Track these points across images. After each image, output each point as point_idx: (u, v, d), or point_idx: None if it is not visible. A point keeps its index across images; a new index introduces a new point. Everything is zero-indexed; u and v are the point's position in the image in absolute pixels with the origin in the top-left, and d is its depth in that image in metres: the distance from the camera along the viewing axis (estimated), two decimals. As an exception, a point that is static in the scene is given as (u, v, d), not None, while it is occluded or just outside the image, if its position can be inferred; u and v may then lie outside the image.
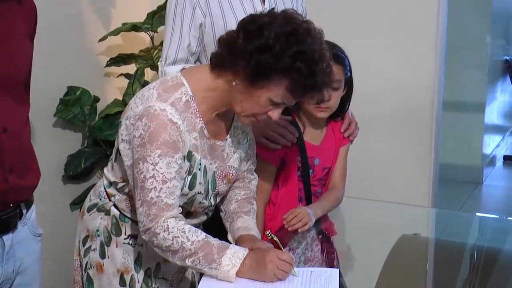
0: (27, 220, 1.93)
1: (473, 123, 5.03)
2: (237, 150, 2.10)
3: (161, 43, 2.60)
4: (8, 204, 1.83)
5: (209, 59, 2.01)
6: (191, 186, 1.96)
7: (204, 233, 1.88)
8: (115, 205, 2.07)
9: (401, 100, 3.16)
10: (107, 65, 3.42)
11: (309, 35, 1.82)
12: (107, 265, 2.07)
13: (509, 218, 4.21)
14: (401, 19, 3.11)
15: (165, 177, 1.85)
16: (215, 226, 2.17)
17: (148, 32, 3.37)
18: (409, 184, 3.18)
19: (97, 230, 2.08)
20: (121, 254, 2.06)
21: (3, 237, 1.83)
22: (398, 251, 2.35)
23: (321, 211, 2.36)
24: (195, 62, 2.43)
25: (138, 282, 2.06)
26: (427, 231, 2.93)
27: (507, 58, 5.89)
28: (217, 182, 2.05)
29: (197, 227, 1.97)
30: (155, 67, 3.28)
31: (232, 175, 2.10)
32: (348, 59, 2.36)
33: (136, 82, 3.25)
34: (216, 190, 2.06)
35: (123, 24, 3.37)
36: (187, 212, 2.03)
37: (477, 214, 4.33)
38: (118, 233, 2.07)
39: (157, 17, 3.31)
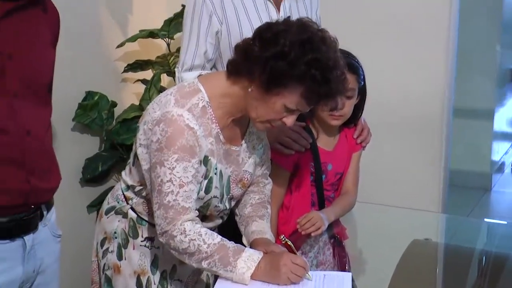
0: (48, 221, 1.94)
1: (482, 130, 5.01)
2: (252, 155, 2.10)
3: (178, 50, 2.61)
4: (29, 206, 1.84)
5: (225, 66, 2.02)
6: (207, 190, 1.97)
7: (220, 236, 1.88)
8: (132, 208, 2.08)
9: (412, 107, 3.15)
10: (125, 71, 3.43)
11: (324, 43, 1.82)
12: (124, 266, 2.07)
13: None
14: (413, 27, 3.10)
15: (182, 181, 1.85)
16: (230, 230, 2.17)
17: (164, 39, 3.37)
18: (420, 190, 3.17)
19: (115, 232, 2.09)
20: (138, 256, 2.07)
21: (24, 237, 1.84)
22: (410, 255, 2.34)
23: (334, 215, 2.36)
24: (211, 69, 2.44)
25: (154, 283, 2.07)
26: (437, 236, 2.92)
27: None
28: (231, 187, 2.05)
29: (213, 231, 1.98)
30: (171, 73, 3.28)
31: (247, 179, 2.10)
32: (362, 68, 2.36)
33: (153, 87, 3.25)
34: (230, 194, 2.06)
35: (140, 31, 3.38)
36: (203, 216, 2.03)
37: (486, 220, 4.27)
38: (135, 236, 2.07)
39: (173, 24, 3.32)
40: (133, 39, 3.37)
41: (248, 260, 1.83)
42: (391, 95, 3.12)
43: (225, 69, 1.98)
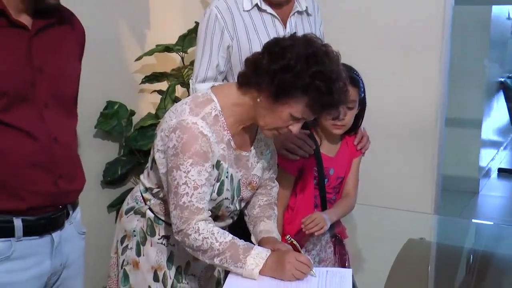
0: (73, 219, 1.94)
1: (471, 138, 5.01)
2: (260, 160, 2.10)
3: (191, 63, 2.62)
4: (57, 206, 1.85)
5: (236, 78, 2.01)
6: (219, 192, 1.97)
7: (231, 235, 1.88)
8: (150, 209, 2.08)
9: (408, 117, 3.15)
10: (142, 82, 3.42)
11: (327, 57, 1.82)
12: (142, 262, 2.07)
13: (503, 225, 4.14)
14: (409, 45, 3.10)
15: (196, 184, 1.85)
16: (240, 229, 2.17)
17: (179, 53, 3.38)
18: (414, 193, 3.16)
19: (134, 231, 2.09)
20: (155, 253, 2.07)
21: (52, 234, 1.84)
22: (405, 253, 2.33)
23: (336, 216, 2.36)
24: (222, 80, 2.44)
25: (170, 278, 2.07)
26: (430, 236, 2.91)
27: (502, 79, 5.88)
28: (241, 189, 2.05)
29: (224, 230, 1.98)
30: (185, 85, 3.29)
31: (256, 182, 2.10)
32: (362, 82, 2.36)
33: (168, 97, 3.26)
34: (240, 196, 2.06)
35: (157, 46, 3.38)
36: (216, 216, 2.03)
37: (474, 220, 4.27)
38: (153, 234, 2.07)
39: (187, 39, 3.33)
40: (150, 53, 3.38)
41: (256, 257, 1.83)
42: (389, 106, 3.12)
43: (236, 80, 1.98)
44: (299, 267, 1.81)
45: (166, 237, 2.05)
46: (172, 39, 3.39)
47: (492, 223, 4.00)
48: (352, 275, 2.12)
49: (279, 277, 1.81)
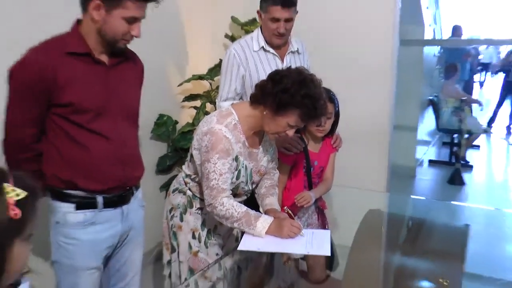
0: (136, 196, 1.93)
1: (410, 138, 4.97)
2: (266, 155, 2.07)
3: (217, 87, 2.59)
4: (125, 187, 1.84)
5: (248, 98, 1.98)
6: (237, 177, 1.94)
7: (245, 207, 1.86)
8: (189, 189, 2.06)
9: (368, 124, 3.11)
10: (183, 100, 3.40)
11: (313, 83, 1.80)
12: (184, 226, 2.05)
13: (431, 199, 4.12)
14: (369, 75, 3.08)
15: (221, 171, 1.83)
16: (252, 203, 2.13)
17: (208, 80, 3.35)
18: (373, 177, 3.13)
19: (178, 204, 2.07)
20: (193, 219, 2.05)
21: (122, 207, 1.84)
22: (367, 219, 2.31)
23: (318, 194, 2.33)
24: (239, 99, 2.41)
25: (203, 236, 2.05)
26: (384, 207, 2.87)
27: (431, 97, 5.87)
28: (253, 175, 2.02)
29: (241, 203, 1.95)
30: (212, 102, 3.26)
31: (263, 171, 2.07)
32: (337, 99, 2.31)
33: (201, 111, 3.24)
34: (252, 180, 2.03)
35: (193, 75, 3.35)
36: (235, 194, 2.00)
37: (412, 196, 4.24)
38: (191, 206, 2.05)
39: (214, 71, 3.30)
40: (188, 80, 3.36)
41: (263, 222, 1.81)
42: (355, 116, 3.07)
43: (249, 99, 1.95)
44: (293, 229, 1.80)
45: (200, 208, 2.03)
46: (204, 71, 3.37)
47: (424, 198, 3.95)
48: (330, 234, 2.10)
49: (279, 236, 1.79)
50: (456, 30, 6.72)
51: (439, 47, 6.38)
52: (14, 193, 0.90)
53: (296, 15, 2.34)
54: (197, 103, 3.38)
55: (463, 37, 6.89)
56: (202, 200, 1.97)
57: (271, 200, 2.06)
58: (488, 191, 5.21)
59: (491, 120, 7.59)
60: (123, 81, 1.79)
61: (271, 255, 1.87)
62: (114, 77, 1.75)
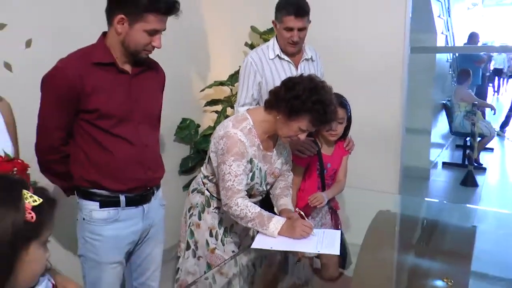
0: (157, 196, 1.94)
1: (424, 141, 4.87)
2: (280, 158, 2.05)
3: (237, 93, 2.58)
4: (146, 187, 1.85)
5: (264, 103, 1.97)
6: (252, 179, 1.94)
7: (259, 207, 1.85)
8: (207, 189, 2.06)
9: (381, 128, 3.06)
10: (205, 105, 3.41)
11: (324, 90, 1.78)
12: (202, 224, 2.06)
13: (444, 201, 4.00)
14: (381, 81, 3.03)
15: (236, 173, 1.82)
16: (267, 203, 2.13)
17: (229, 86, 3.35)
18: (385, 179, 3.07)
19: (197, 204, 2.07)
20: (210, 218, 2.05)
21: (143, 205, 1.85)
22: (377, 220, 2.26)
23: (331, 195, 2.30)
24: (255, 105, 2.40)
25: (220, 234, 2.04)
26: (396, 209, 2.80)
27: (444, 101, 5.75)
28: (267, 177, 2.01)
29: (256, 203, 1.94)
30: (233, 107, 3.25)
31: (277, 172, 2.06)
32: (348, 104, 2.28)
33: (222, 116, 3.23)
34: (266, 181, 2.02)
35: (214, 82, 3.36)
36: (250, 195, 2.00)
37: (426, 199, 4.10)
38: (209, 206, 2.05)
39: (234, 77, 3.29)
40: (210, 86, 3.37)
41: (276, 223, 1.79)
42: (368, 121, 3.03)
43: (264, 105, 1.94)
44: (305, 230, 1.78)
45: (218, 208, 2.03)
46: (224, 77, 3.37)
47: (436, 200, 3.81)
48: (342, 233, 2.07)
49: (291, 236, 1.78)
50: (472, 37, 6.56)
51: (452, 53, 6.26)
52: (32, 199, 0.94)
53: (309, 24, 2.32)
54: (218, 107, 3.38)
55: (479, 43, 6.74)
56: (219, 200, 1.96)
57: (285, 201, 2.05)
58: (501, 193, 5.06)
59: (504, 124, 7.39)
60: (145, 88, 1.80)
61: (285, 254, 1.85)
62: (137, 85, 1.76)
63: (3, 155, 1.27)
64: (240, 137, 1.83)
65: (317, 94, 1.74)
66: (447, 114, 5.66)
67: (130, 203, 1.79)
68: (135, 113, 1.75)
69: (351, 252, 2.03)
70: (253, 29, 3.43)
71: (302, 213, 1.89)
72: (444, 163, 5.85)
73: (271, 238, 1.78)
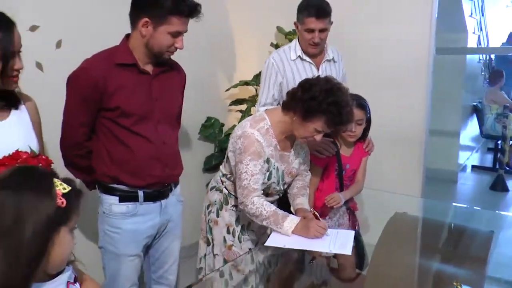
0: (175, 192, 1.98)
1: (452, 144, 4.76)
2: (297, 158, 2.07)
3: (260, 93, 2.61)
4: (164, 184, 1.90)
5: (281, 104, 1.99)
6: (269, 178, 1.95)
7: (274, 206, 1.87)
8: (225, 187, 2.09)
9: (404, 129, 3.01)
10: (230, 104, 3.44)
11: (340, 91, 1.78)
12: (220, 221, 2.09)
13: (476, 208, 3.83)
14: (405, 81, 2.98)
15: (253, 172, 1.85)
16: (285, 202, 2.15)
17: (253, 86, 3.37)
18: (407, 181, 3.01)
19: (215, 201, 2.11)
20: (228, 215, 2.08)
21: (161, 201, 1.90)
22: (393, 221, 2.24)
23: (348, 196, 2.30)
24: (277, 105, 2.42)
25: (237, 232, 2.07)
26: (418, 212, 2.74)
27: (474, 103, 5.59)
28: (284, 176, 2.03)
29: (273, 203, 1.96)
30: (256, 107, 3.29)
31: (294, 172, 2.07)
32: (368, 106, 2.26)
33: (246, 115, 3.24)
34: (284, 181, 2.04)
35: (240, 81, 3.38)
36: (267, 193, 2.02)
37: (453, 204, 3.93)
38: (226, 203, 2.08)
39: (259, 77, 3.23)
40: (235, 86, 3.39)
41: (290, 222, 1.81)
42: (390, 121, 2.99)
43: (281, 106, 1.95)
44: (318, 230, 1.79)
45: (235, 205, 2.06)
46: (249, 77, 3.39)
47: (464, 205, 3.63)
48: (360, 234, 2.07)
49: (305, 235, 1.79)
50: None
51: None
52: (61, 186, 1.01)
53: (331, 25, 2.32)
54: (243, 107, 3.41)
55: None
56: (237, 198, 1.99)
57: (301, 200, 2.06)
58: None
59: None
60: (165, 88, 1.85)
61: (302, 253, 1.86)
62: (157, 85, 1.82)
63: (29, 151, 1.34)
64: (257, 137, 1.85)
65: (333, 95, 1.75)
66: (477, 117, 5.51)
67: (148, 198, 1.84)
68: (155, 112, 1.80)
69: (369, 252, 2.03)
70: (279, 29, 3.44)
71: (316, 213, 1.90)
72: (473, 167, 5.71)
73: (285, 236, 1.80)
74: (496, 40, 6.69)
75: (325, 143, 2.24)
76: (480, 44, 5.89)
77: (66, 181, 1.05)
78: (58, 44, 2.24)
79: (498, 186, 4.84)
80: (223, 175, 2.08)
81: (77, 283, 1.13)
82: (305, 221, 1.82)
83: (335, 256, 1.82)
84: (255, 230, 2.10)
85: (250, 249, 2.05)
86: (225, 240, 2.06)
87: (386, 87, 3.01)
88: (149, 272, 2.03)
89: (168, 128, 1.87)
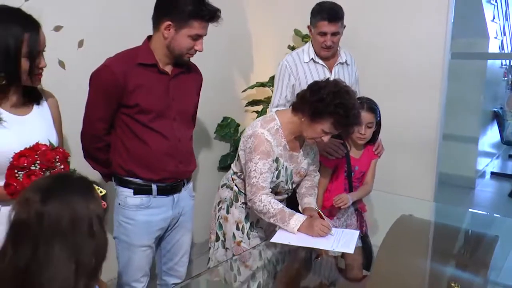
0: (187, 187, 2.05)
1: (470, 149, 4.71)
2: (306, 158, 2.11)
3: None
4: (177, 179, 1.96)
5: (291, 105, 2.03)
6: (277, 177, 2.00)
7: (281, 204, 1.91)
8: (236, 185, 2.14)
9: (417, 133, 3.02)
10: (246, 105, 3.49)
11: (347, 94, 1.82)
12: (229, 217, 2.14)
13: (496, 215, 3.71)
14: (419, 84, 2.99)
15: (262, 171, 1.90)
16: (293, 202, 2.19)
17: (270, 88, 3.41)
18: (419, 185, 3.02)
19: (225, 198, 2.16)
20: (237, 212, 2.12)
21: (173, 195, 1.96)
22: (398, 223, 2.25)
23: (356, 197, 2.33)
24: (289, 106, 2.45)
25: (246, 228, 2.11)
26: (421, 214, 2.68)
27: (495, 109, 5.51)
28: (293, 176, 2.07)
29: (282, 202, 2.00)
30: (272, 108, 3.33)
31: (303, 172, 2.11)
32: (378, 109, 2.29)
33: (261, 115, 3.29)
34: (292, 180, 2.08)
35: (256, 83, 3.43)
36: (276, 192, 2.07)
37: (470, 210, 3.77)
38: (236, 201, 2.13)
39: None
40: (252, 87, 3.44)
41: (296, 220, 1.86)
42: (403, 125, 3.01)
43: (291, 107, 2.00)
44: (322, 228, 1.83)
45: (245, 203, 2.10)
46: (265, 79, 3.44)
47: (485, 212, 3.50)
48: (367, 236, 2.08)
49: (309, 233, 1.84)
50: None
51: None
52: (99, 190, 1.09)
53: (344, 28, 2.36)
54: (259, 107, 3.46)
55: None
56: (246, 195, 2.05)
57: (309, 200, 2.10)
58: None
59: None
60: (182, 89, 1.92)
61: (310, 252, 1.90)
62: (175, 85, 1.89)
63: (48, 144, 1.43)
64: (266, 137, 1.90)
65: (340, 97, 1.79)
66: (498, 123, 5.43)
67: (161, 192, 1.92)
68: (171, 110, 1.87)
69: (376, 254, 2.05)
70: (296, 32, 3.49)
71: (321, 212, 1.94)
72: (492, 173, 5.63)
73: (290, 234, 1.85)
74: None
75: (335, 145, 2.28)
76: (503, 49, 5.80)
77: (96, 184, 1.12)
78: (80, 44, 2.34)
79: (517, 193, 4.78)
80: (234, 173, 2.14)
81: None
82: (310, 219, 1.87)
83: (343, 256, 1.85)
84: (263, 227, 2.15)
85: (256, 245, 2.11)
86: (234, 236, 2.12)
87: (400, 91, 3.03)
88: (160, 263, 2.11)
89: (184, 126, 1.94)
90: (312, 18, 2.34)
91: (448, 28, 2.83)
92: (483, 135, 5.02)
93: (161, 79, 1.85)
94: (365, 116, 2.20)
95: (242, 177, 2.08)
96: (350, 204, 2.22)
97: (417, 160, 3.03)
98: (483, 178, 5.37)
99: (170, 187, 1.94)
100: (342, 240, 1.82)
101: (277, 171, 1.98)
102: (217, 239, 2.18)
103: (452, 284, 1.41)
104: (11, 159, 1.36)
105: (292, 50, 3.47)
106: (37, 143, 1.40)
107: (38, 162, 1.34)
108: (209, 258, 2.25)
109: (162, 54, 1.83)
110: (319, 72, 2.43)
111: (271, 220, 1.89)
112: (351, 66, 2.53)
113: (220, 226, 2.17)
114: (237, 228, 2.12)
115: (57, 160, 1.37)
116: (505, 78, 6.09)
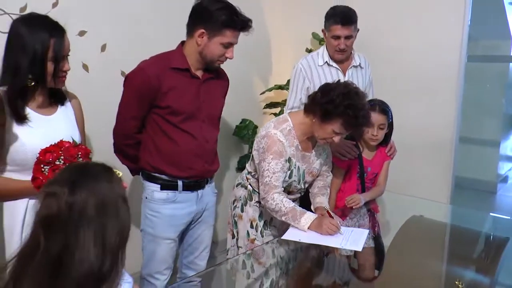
0: (210, 184, 2.13)
1: (491, 153, 4.64)
2: (318, 158, 2.16)
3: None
4: (202, 177, 2.05)
5: (303, 107, 2.09)
6: (290, 177, 2.05)
7: (293, 203, 1.96)
8: (250, 184, 2.20)
9: (433, 135, 3.02)
10: (264, 107, 3.54)
11: (357, 95, 1.87)
12: (244, 216, 2.20)
13: (490, 213, 3.58)
14: (435, 87, 2.99)
15: (274, 170, 1.95)
16: (305, 201, 2.24)
17: (287, 90, 3.43)
18: (434, 188, 3.01)
19: (240, 197, 2.22)
20: (252, 211, 2.18)
21: (198, 191, 2.05)
22: (408, 224, 2.27)
23: (368, 198, 2.36)
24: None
25: (260, 226, 2.17)
26: (446, 218, 2.71)
27: None
28: (305, 176, 2.12)
29: (295, 201, 2.05)
30: (290, 110, 3.37)
31: (315, 172, 2.16)
32: (390, 111, 2.31)
33: (279, 117, 3.36)
34: (304, 180, 2.13)
35: (275, 85, 3.48)
36: (288, 191, 2.12)
37: (491, 214, 3.61)
38: (251, 199, 2.19)
39: (292, 82, 3.41)
40: (270, 89, 3.50)
41: (307, 218, 1.91)
42: (419, 127, 3.01)
43: (303, 108, 2.06)
44: (330, 227, 1.88)
45: (259, 202, 2.16)
46: (283, 81, 3.47)
47: (509, 217, 3.41)
48: (380, 236, 2.11)
49: (319, 231, 1.89)
50: None
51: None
52: (117, 173, 1.15)
53: (357, 32, 2.40)
54: (277, 110, 3.50)
55: None
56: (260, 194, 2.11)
57: (321, 199, 2.15)
58: None
59: None
60: (211, 93, 2.02)
61: (321, 250, 1.94)
62: (204, 90, 1.99)
63: (71, 141, 1.54)
64: (279, 138, 1.97)
65: (350, 99, 1.84)
66: (522, 127, 5.34)
67: (186, 187, 2.01)
68: (201, 112, 1.97)
69: (388, 254, 2.09)
70: (314, 35, 3.54)
71: (331, 212, 1.99)
72: (516, 177, 5.53)
73: (301, 231, 1.90)
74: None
75: (347, 146, 2.32)
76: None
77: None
78: (103, 48, 2.45)
79: (540, 198, 4.70)
80: (248, 172, 2.20)
81: None
82: (320, 218, 1.92)
83: (356, 256, 1.89)
84: (277, 226, 2.20)
85: (269, 241, 2.16)
86: (248, 234, 2.18)
87: (416, 93, 3.03)
88: (181, 257, 2.20)
89: (211, 128, 2.03)
90: (326, 22, 2.40)
91: (465, 30, 2.84)
92: (506, 139, 4.94)
93: (193, 83, 1.95)
94: (377, 117, 2.23)
95: (256, 176, 2.14)
96: (362, 204, 2.26)
97: (433, 163, 3.02)
98: (505, 182, 5.28)
99: (194, 183, 2.03)
100: (351, 238, 1.87)
101: (289, 171, 2.04)
102: (233, 236, 2.25)
103: (456, 283, 1.44)
104: (37, 155, 1.46)
105: (310, 53, 3.52)
106: (61, 140, 1.50)
107: (62, 157, 1.44)
108: (227, 255, 2.32)
109: (194, 59, 1.93)
110: (333, 75, 2.47)
111: (283, 218, 1.94)
112: (365, 69, 2.57)
113: (235, 223, 2.24)
114: (251, 226, 2.18)
115: (79, 156, 1.47)
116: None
